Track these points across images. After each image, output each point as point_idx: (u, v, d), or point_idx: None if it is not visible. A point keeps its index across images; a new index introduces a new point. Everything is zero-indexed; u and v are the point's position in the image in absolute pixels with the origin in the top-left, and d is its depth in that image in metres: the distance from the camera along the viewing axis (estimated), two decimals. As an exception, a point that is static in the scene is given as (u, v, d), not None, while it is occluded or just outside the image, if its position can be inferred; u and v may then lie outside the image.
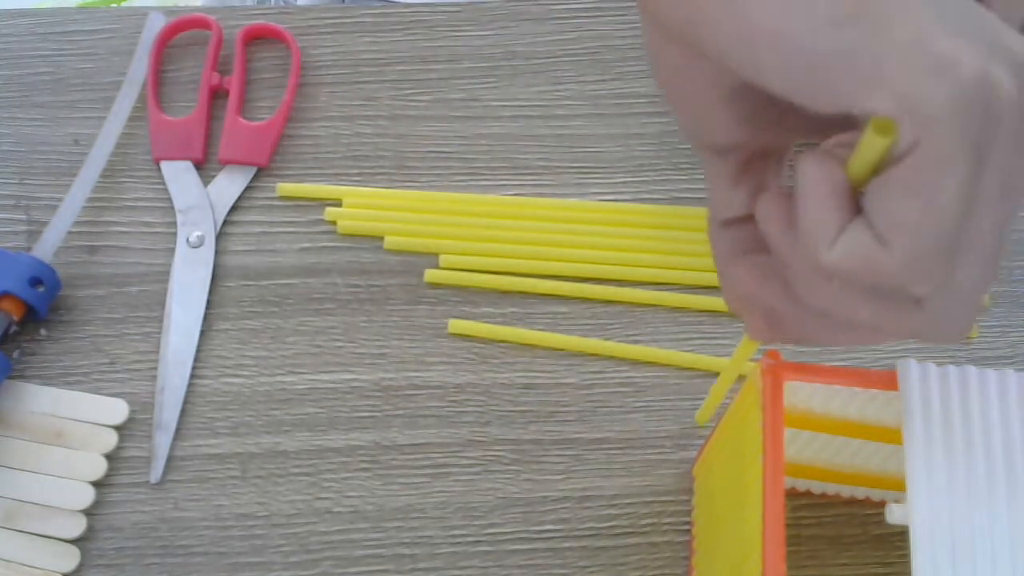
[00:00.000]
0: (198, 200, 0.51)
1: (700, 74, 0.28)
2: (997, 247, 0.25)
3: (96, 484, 0.44)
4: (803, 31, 0.24)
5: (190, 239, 0.50)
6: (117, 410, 0.46)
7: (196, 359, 0.47)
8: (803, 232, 0.26)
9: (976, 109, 0.23)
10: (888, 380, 0.32)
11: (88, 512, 0.44)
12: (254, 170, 0.52)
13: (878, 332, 0.27)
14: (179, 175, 0.52)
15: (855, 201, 0.25)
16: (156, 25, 0.55)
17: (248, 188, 0.52)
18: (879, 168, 0.24)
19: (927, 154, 0.23)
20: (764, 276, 0.29)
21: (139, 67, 0.54)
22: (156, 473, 0.45)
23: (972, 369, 0.32)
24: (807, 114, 0.25)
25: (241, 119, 0.53)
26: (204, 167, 0.52)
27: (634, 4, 0.57)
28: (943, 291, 0.25)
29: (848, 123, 0.25)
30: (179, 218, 0.51)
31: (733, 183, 0.30)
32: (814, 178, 0.25)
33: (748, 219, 0.30)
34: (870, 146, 0.24)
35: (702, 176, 0.52)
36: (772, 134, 0.30)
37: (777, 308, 0.29)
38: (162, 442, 0.45)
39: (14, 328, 0.47)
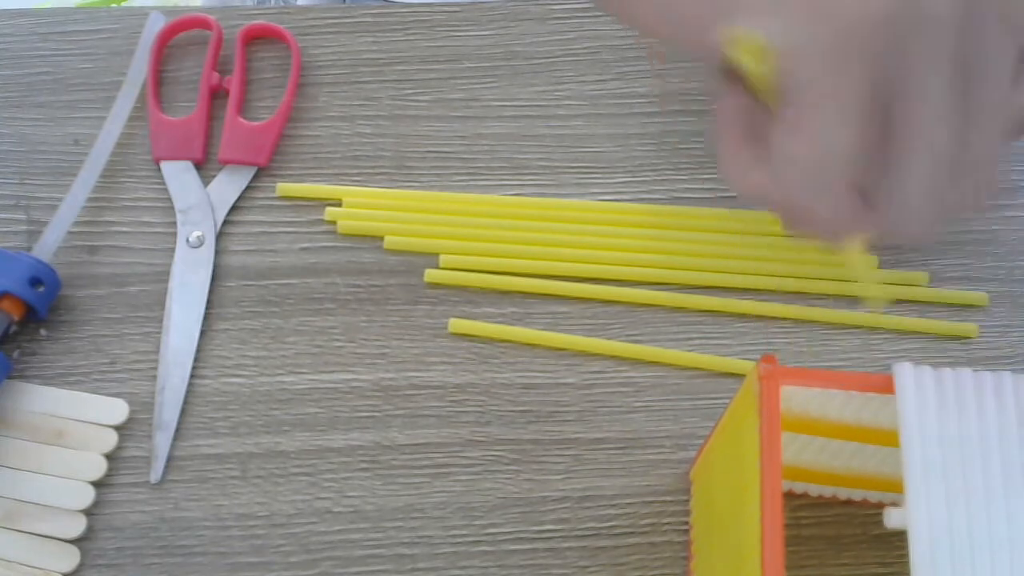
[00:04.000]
0: (198, 200, 0.51)
1: None
2: (950, 153, 0.26)
3: (96, 484, 0.45)
4: None
5: (190, 239, 0.50)
6: (117, 410, 0.46)
7: (196, 359, 0.48)
8: (720, 164, 0.29)
9: (864, 48, 0.24)
10: (884, 383, 0.32)
11: (88, 512, 0.44)
12: (254, 170, 0.52)
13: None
14: (179, 175, 0.52)
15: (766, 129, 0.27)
16: (156, 25, 0.55)
17: (248, 188, 0.52)
18: (774, 96, 0.26)
19: (807, 95, 0.25)
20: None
21: (139, 67, 0.54)
22: (156, 473, 0.45)
23: (968, 371, 0.32)
24: None
25: (241, 119, 0.53)
26: (204, 167, 0.52)
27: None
28: (889, 197, 0.27)
29: None
30: (179, 218, 0.51)
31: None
32: (727, 111, 0.28)
33: None
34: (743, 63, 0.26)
35: (702, 176, 0.52)
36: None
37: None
38: (162, 442, 0.46)
39: (14, 328, 0.47)
